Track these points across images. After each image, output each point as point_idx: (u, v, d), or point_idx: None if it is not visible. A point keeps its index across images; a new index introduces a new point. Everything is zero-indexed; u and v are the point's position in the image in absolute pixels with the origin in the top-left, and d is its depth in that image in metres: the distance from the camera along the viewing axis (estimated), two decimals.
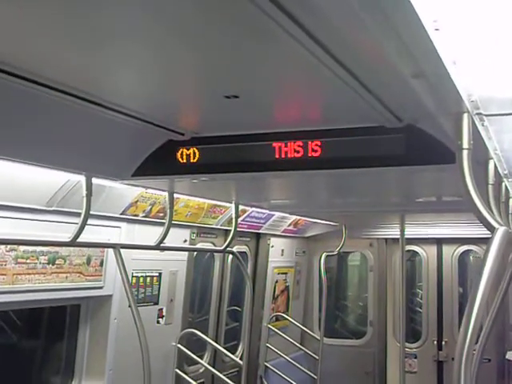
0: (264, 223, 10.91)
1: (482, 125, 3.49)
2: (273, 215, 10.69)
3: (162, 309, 9.08)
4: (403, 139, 4.86)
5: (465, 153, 3.33)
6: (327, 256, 12.50)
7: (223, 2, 2.62)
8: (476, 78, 2.81)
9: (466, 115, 3.30)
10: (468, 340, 2.70)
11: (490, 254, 2.90)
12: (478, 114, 3.29)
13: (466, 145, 3.32)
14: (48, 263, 6.93)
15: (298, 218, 11.59)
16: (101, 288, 7.83)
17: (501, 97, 3.13)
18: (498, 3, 2.09)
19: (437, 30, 2.16)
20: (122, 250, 6.65)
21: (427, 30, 2.16)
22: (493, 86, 2.98)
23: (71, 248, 7.10)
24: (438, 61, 2.43)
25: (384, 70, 3.15)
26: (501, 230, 3.05)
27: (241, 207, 8.61)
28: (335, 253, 12.59)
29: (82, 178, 5.71)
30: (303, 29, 2.79)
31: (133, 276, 8.29)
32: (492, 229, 3.16)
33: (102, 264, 7.76)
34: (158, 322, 9.05)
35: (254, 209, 9.77)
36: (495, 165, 4.60)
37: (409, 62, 2.79)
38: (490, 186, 4.57)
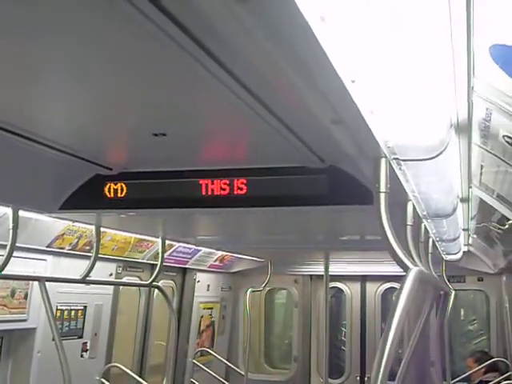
0: (190, 258, 10.94)
1: (400, 169, 3.63)
2: (199, 250, 10.74)
3: (86, 342, 9.00)
4: (326, 180, 5.01)
5: (382, 196, 3.46)
6: (253, 292, 12.55)
7: (153, 44, 2.71)
8: (392, 125, 2.96)
9: (383, 160, 3.43)
10: (380, 378, 2.79)
11: (403, 293, 3.02)
12: (395, 158, 3.43)
13: (383, 188, 3.45)
14: None
15: (225, 253, 11.66)
16: (25, 321, 7.75)
17: (416, 143, 3.28)
18: (409, 60, 2.24)
19: (353, 81, 2.29)
20: (47, 283, 6.61)
21: (344, 81, 2.28)
22: (408, 133, 3.13)
23: None
24: (355, 110, 2.55)
25: (305, 115, 3.27)
26: (413, 271, 3.19)
27: (167, 242, 8.65)
28: (260, 289, 12.64)
29: (8, 210, 5.69)
30: (228, 72, 2.91)
31: (57, 309, 8.21)
32: (406, 268, 3.30)
33: (26, 297, 7.69)
34: (81, 356, 8.95)
35: (180, 244, 9.81)
36: (414, 206, 4.75)
37: (328, 110, 2.93)
38: (408, 227, 4.71)
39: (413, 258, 4.39)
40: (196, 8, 2.17)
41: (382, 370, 2.78)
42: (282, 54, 2.37)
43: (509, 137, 3.35)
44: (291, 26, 2.06)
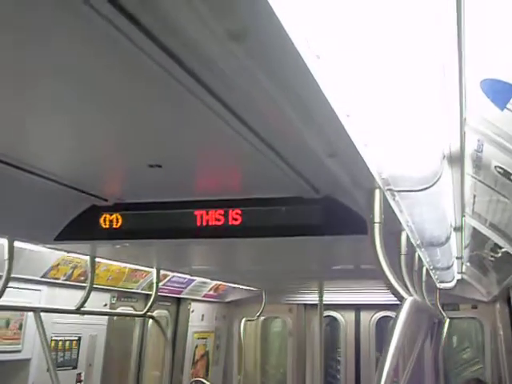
0: (185, 288, 10.94)
1: (394, 199, 3.67)
2: (194, 280, 10.74)
3: (80, 373, 8.97)
4: (320, 210, 5.04)
5: (376, 226, 3.49)
6: (247, 321, 12.53)
7: (147, 78, 2.74)
8: (386, 157, 3.00)
9: (377, 191, 3.47)
10: None
11: (399, 322, 3.05)
12: (389, 189, 3.48)
13: (377, 219, 3.49)
14: None
15: (219, 283, 11.66)
16: (19, 352, 7.73)
17: (410, 174, 3.32)
18: (402, 94, 2.29)
19: (348, 116, 2.34)
20: (42, 314, 6.61)
21: (339, 116, 2.33)
22: (402, 164, 3.18)
23: None
24: (350, 143, 2.60)
25: (302, 148, 3.32)
26: (408, 300, 3.22)
27: (162, 272, 8.66)
28: (254, 318, 12.62)
29: (3, 241, 5.70)
30: (224, 105, 2.95)
31: (52, 339, 8.18)
32: (401, 298, 3.33)
33: (20, 327, 7.68)
34: None
35: (175, 273, 9.82)
36: (407, 236, 4.79)
37: (324, 144, 2.97)
38: (402, 256, 4.75)
39: (407, 287, 4.43)
40: (192, 43, 2.21)
41: None
42: (279, 89, 2.41)
43: (500, 167, 3.40)
44: (287, 63, 2.10)
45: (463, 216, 5.11)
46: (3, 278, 5.75)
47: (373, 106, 2.39)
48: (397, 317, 3.11)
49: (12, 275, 5.83)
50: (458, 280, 9.48)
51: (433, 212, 4.38)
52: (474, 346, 13.52)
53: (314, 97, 2.22)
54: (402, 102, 2.42)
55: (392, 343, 2.94)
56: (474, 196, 4.54)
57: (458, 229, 5.44)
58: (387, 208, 3.65)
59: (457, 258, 7.34)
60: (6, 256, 5.69)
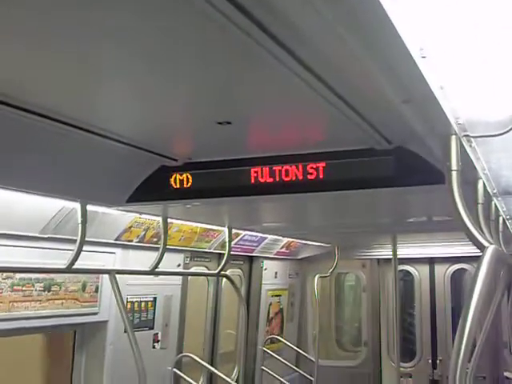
0: (257, 246, 10.95)
1: (470, 146, 3.56)
2: (265, 238, 10.74)
3: (157, 333, 9.08)
4: (393, 161, 4.95)
5: (454, 174, 3.40)
6: (320, 277, 12.53)
7: (218, 32, 2.69)
8: (462, 101, 2.89)
9: (453, 137, 3.37)
10: (461, 358, 2.74)
11: (481, 272, 2.95)
12: (465, 135, 3.37)
13: (454, 166, 3.39)
14: (44, 290, 6.96)
15: (291, 240, 11.65)
16: (96, 314, 7.85)
17: (487, 119, 3.21)
18: (481, 31, 2.18)
19: (423, 57, 2.24)
20: (117, 276, 6.68)
21: (414, 57, 2.24)
22: (479, 109, 3.07)
23: (66, 275, 7.13)
24: (426, 86, 2.50)
25: (374, 96, 3.23)
26: (490, 249, 3.12)
27: (234, 231, 8.67)
28: (328, 274, 12.61)
29: (76, 205, 5.76)
30: (295, 57, 2.88)
31: (128, 301, 8.30)
32: (482, 247, 3.23)
33: (97, 290, 7.78)
34: (153, 347, 9.04)
35: (246, 232, 9.83)
36: (484, 184, 4.67)
37: (398, 89, 2.87)
38: (479, 206, 4.62)
39: (486, 238, 4.31)
40: None
41: (462, 352, 2.74)
42: (351, 31, 2.32)
43: None
44: (360, 2, 2.02)
45: None
46: (77, 242, 5.81)
47: (449, 46, 2.29)
48: (478, 266, 3.02)
49: (86, 239, 5.89)
50: None
51: (510, 158, 4.25)
52: None
53: (387, 37, 2.13)
54: (479, 43, 2.31)
55: (475, 294, 2.86)
56: None
57: None
58: (464, 155, 3.54)
59: None
60: (80, 220, 5.75)
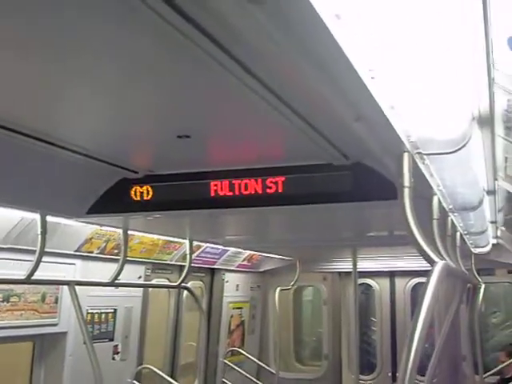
0: (218, 258, 10.98)
1: (423, 163, 3.63)
2: (227, 250, 10.77)
3: (117, 345, 9.06)
4: (351, 176, 5.01)
5: (406, 190, 3.46)
6: (282, 290, 12.56)
7: (174, 47, 2.73)
8: (414, 120, 2.97)
9: (406, 155, 3.43)
10: (408, 374, 2.79)
11: (429, 287, 3.02)
12: (418, 153, 3.44)
13: (406, 183, 3.45)
14: (2, 301, 6.93)
15: (253, 253, 11.68)
16: (56, 325, 7.82)
17: (439, 137, 3.28)
18: (428, 53, 2.25)
19: (373, 78, 2.30)
20: (77, 287, 6.66)
21: (363, 79, 2.30)
22: (430, 127, 3.14)
23: (26, 285, 7.09)
24: (376, 106, 2.57)
25: (328, 113, 3.29)
26: (439, 264, 3.18)
27: (195, 243, 8.69)
28: (289, 287, 12.63)
29: (37, 216, 5.75)
30: (253, 75, 2.95)
31: (88, 312, 8.27)
32: (432, 262, 3.30)
33: (56, 301, 7.76)
34: (113, 359, 9.02)
35: (208, 244, 9.85)
36: (439, 200, 4.75)
37: (349, 108, 2.95)
38: (434, 221, 4.70)
39: (439, 252, 4.39)
40: (213, 9, 2.19)
41: (410, 365, 2.78)
42: (300, 53, 2.39)
43: None
44: (308, 26, 2.08)
45: (496, 179, 5.05)
46: (37, 253, 5.80)
47: (398, 67, 2.36)
48: (428, 281, 3.09)
49: (47, 250, 5.88)
50: (493, 245, 9.41)
51: (464, 175, 4.33)
52: (502, 310, 13.50)
53: (336, 60, 2.20)
54: (427, 63, 2.38)
55: (423, 307, 2.92)
56: (506, 158, 4.48)
57: (491, 192, 5.38)
58: (417, 172, 3.61)
59: (491, 222, 7.27)
60: (39, 230, 5.74)
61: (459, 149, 3.40)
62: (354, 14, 1.86)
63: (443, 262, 3.25)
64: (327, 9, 1.80)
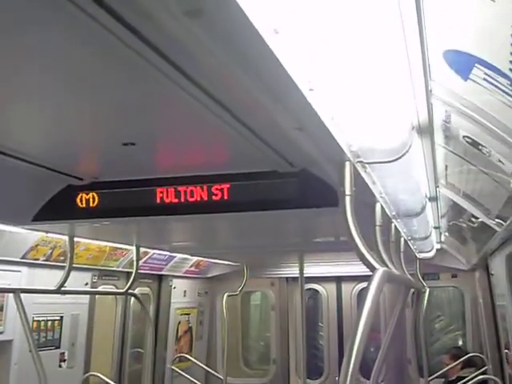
0: (166, 265, 10.98)
1: (365, 171, 3.70)
2: (174, 257, 10.77)
3: (63, 353, 9.00)
4: (296, 183, 5.07)
5: (347, 198, 3.52)
6: (229, 296, 12.58)
7: (114, 55, 2.75)
8: (354, 130, 3.03)
9: (347, 163, 3.49)
10: (349, 377, 2.84)
11: (369, 293, 3.08)
12: (359, 161, 3.51)
13: (348, 191, 3.51)
14: None
15: (200, 259, 11.70)
16: (1, 333, 7.75)
17: (379, 147, 3.36)
18: (366, 64, 2.31)
19: (311, 90, 2.35)
20: (22, 295, 6.61)
21: (302, 90, 2.34)
22: (370, 137, 3.21)
23: None
24: (316, 117, 2.62)
25: (269, 122, 3.33)
26: (379, 271, 3.25)
27: (142, 249, 8.68)
28: (237, 293, 12.66)
29: None
30: (194, 83, 2.97)
31: (34, 320, 8.20)
32: (373, 269, 3.36)
33: (1, 309, 7.69)
34: (60, 366, 8.95)
35: (155, 251, 9.84)
36: (382, 207, 4.83)
37: (290, 118, 2.99)
38: (377, 227, 4.77)
39: (383, 259, 4.46)
40: (152, 18, 2.22)
41: (350, 369, 2.83)
42: (239, 65, 2.43)
43: (469, 137, 3.43)
44: (245, 38, 2.12)
45: (437, 186, 5.15)
46: None
47: (337, 79, 2.41)
48: (367, 287, 3.15)
49: None
50: (437, 250, 9.58)
51: (405, 183, 4.43)
52: (446, 314, 13.70)
53: (274, 72, 2.24)
54: (366, 75, 2.44)
55: (363, 313, 2.97)
56: (446, 166, 4.58)
57: (433, 199, 5.49)
58: (359, 180, 3.68)
59: (434, 227, 7.41)
60: None
61: (399, 157, 3.47)
62: (291, 28, 1.91)
63: (383, 268, 3.31)
64: (265, 24, 1.85)
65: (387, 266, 3.96)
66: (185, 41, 2.31)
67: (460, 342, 13.12)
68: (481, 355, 11.50)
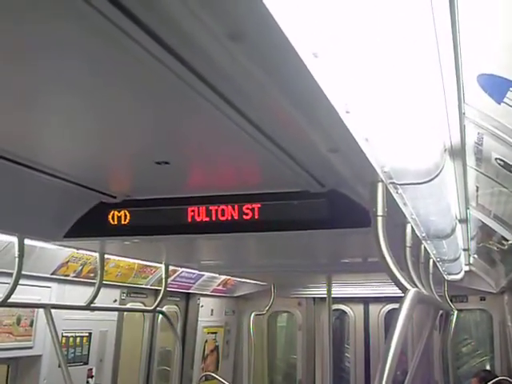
0: (194, 283, 11.01)
1: (397, 192, 3.71)
2: (203, 275, 10.80)
3: (91, 369, 9.05)
4: (326, 203, 5.09)
5: (379, 219, 3.54)
6: (256, 315, 12.57)
7: (154, 76, 2.80)
8: (387, 151, 3.05)
9: (380, 184, 3.51)
10: None
11: (401, 315, 3.08)
12: (391, 182, 3.52)
13: (380, 212, 3.53)
14: None
15: (228, 277, 11.72)
16: (31, 348, 7.82)
17: (411, 168, 3.37)
18: (401, 90, 2.34)
19: (348, 112, 2.39)
20: (52, 310, 6.67)
21: (339, 112, 2.38)
22: (403, 158, 3.23)
23: (1, 308, 7.09)
24: (351, 138, 2.65)
25: (304, 143, 3.37)
26: (411, 292, 3.25)
27: (171, 267, 8.72)
28: (264, 312, 12.65)
29: (14, 239, 5.77)
30: (231, 105, 3.02)
31: (63, 336, 8.26)
32: (404, 290, 3.37)
33: (32, 324, 7.76)
34: (87, 382, 9.00)
35: (183, 269, 9.88)
36: (412, 228, 4.83)
37: (325, 140, 3.03)
38: (407, 249, 4.78)
39: (412, 279, 4.47)
40: (195, 43, 2.27)
41: None
42: (279, 88, 2.48)
43: (501, 159, 3.45)
44: (285, 62, 2.17)
45: (467, 208, 5.15)
46: (14, 276, 5.81)
47: (372, 101, 2.44)
48: (399, 308, 3.16)
49: (23, 272, 5.90)
50: (465, 272, 9.53)
51: (436, 204, 4.42)
52: (474, 338, 13.58)
53: (312, 94, 2.28)
54: (401, 97, 2.47)
55: (395, 334, 2.98)
56: (477, 188, 4.58)
57: (464, 221, 5.48)
58: (391, 201, 3.69)
59: (463, 249, 7.38)
60: (17, 253, 5.75)
61: (432, 179, 3.48)
62: (330, 52, 1.95)
63: (415, 289, 3.32)
64: (305, 48, 1.89)
65: (417, 287, 3.96)
66: (223, 62, 2.36)
67: (487, 366, 13.01)
68: (509, 379, 11.39)
